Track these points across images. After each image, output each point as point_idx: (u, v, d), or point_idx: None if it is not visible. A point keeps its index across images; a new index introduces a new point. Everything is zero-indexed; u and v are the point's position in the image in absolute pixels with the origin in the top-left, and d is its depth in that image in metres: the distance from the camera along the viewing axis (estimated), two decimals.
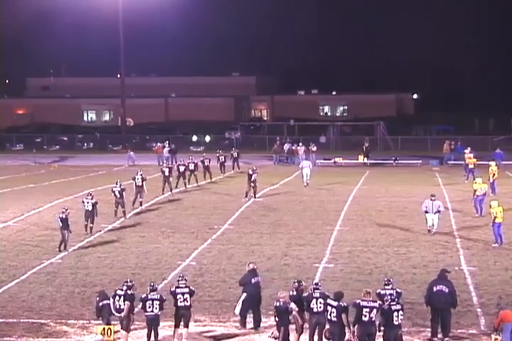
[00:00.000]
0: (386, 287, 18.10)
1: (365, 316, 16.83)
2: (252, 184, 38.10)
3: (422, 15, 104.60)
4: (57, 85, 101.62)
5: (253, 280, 19.28)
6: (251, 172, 38.45)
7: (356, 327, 16.90)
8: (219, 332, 19.03)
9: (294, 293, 17.86)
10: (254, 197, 37.97)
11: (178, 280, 18.46)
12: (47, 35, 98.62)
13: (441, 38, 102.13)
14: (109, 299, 18.37)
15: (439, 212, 28.93)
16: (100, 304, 18.44)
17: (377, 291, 18.13)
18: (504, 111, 75.87)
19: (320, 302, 17.41)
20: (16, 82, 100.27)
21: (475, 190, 33.07)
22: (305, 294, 17.78)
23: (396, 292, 17.96)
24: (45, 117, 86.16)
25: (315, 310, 17.44)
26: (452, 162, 53.96)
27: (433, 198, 29.06)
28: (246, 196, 37.70)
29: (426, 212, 29.02)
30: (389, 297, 17.28)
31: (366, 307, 16.82)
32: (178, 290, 18.18)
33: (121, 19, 68.79)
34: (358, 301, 16.94)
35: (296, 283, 18.12)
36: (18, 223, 32.44)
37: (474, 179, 35.01)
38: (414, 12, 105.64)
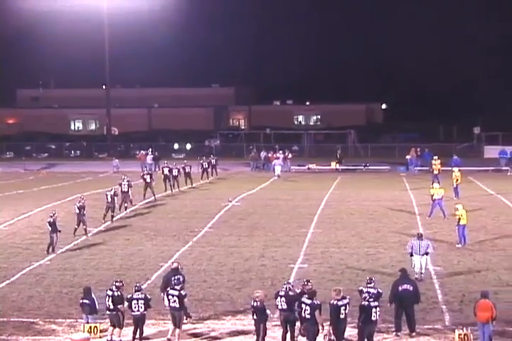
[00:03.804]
0: (368, 285, 18.18)
1: (342, 314, 16.96)
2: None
3: (389, 28, 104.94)
4: (46, 96, 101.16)
5: (173, 278, 19.04)
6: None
7: (332, 324, 17.03)
8: (199, 329, 19.01)
9: (292, 293, 17.74)
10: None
11: (174, 284, 18.43)
12: (36, 48, 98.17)
13: (408, 52, 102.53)
14: (89, 299, 18.40)
15: (427, 254, 23.04)
16: (80, 301, 18.51)
17: (360, 288, 18.24)
18: (467, 120, 76.28)
19: (283, 301, 17.53)
20: (6, 93, 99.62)
21: (432, 195, 33.26)
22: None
23: (377, 291, 18.05)
24: (34, 126, 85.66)
25: (279, 307, 17.59)
26: (419, 168, 54.16)
27: (420, 237, 23.29)
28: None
29: (411, 254, 23.04)
30: (367, 294, 17.40)
31: (342, 305, 16.93)
32: (171, 292, 18.17)
33: (106, 34, 68.75)
34: (334, 302, 16.99)
35: (289, 284, 18.08)
36: (9, 227, 32.28)
37: (432, 184, 35.18)
38: (381, 26, 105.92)
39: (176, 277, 19.01)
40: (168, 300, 18.12)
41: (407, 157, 54.48)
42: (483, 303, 17.34)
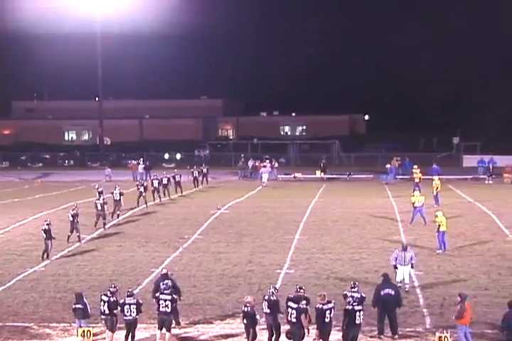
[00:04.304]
0: (352, 290, 18.19)
1: (327, 318, 16.98)
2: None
3: (370, 43, 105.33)
4: (41, 108, 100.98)
5: (162, 283, 19.04)
6: None
7: (318, 328, 17.06)
8: (189, 333, 18.98)
9: (273, 297, 17.80)
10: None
11: (164, 288, 18.41)
12: (31, 61, 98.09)
13: (389, 66, 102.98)
14: (82, 303, 18.37)
15: (411, 264, 22.33)
16: (73, 307, 18.47)
17: (344, 293, 18.24)
18: (446, 131, 76.59)
19: (265, 305, 17.62)
20: (2, 104, 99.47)
21: (413, 202, 33.34)
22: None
23: (361, 295, 18.07)
24: (29, 137, 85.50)
25: (264, 310, 17.68)
26: (400, 177, 54.31)
27: (405, 249, 22.46)
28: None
29: (395, 266, 22.19)
30: (351, 299, 17.42)
31: (327, 309, 16.96)
32: (162, 296, 18.13)
33: (99, 48, 68.82)
34: (320, 306, 17.02)
35: (273, 289, 18.10)
36: (4, 234, 32.15)
37: (413, 192, 35.28)
38: (363, 42, 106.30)
39: (165, 282, 19.01)
40: (159, 304, 18.07)
41: (387, 166, 54.60)
42: (469, 306, 17.45)
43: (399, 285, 21.41)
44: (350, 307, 17.12)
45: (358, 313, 17.07)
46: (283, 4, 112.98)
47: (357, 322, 17.09)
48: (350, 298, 17.47)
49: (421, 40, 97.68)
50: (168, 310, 17.96)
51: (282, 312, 17.57)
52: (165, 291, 18.24)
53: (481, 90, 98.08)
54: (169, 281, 19.27)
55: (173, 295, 18.19)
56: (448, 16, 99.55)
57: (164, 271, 20.09)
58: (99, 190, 35.95)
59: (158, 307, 18.07)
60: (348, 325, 17.11)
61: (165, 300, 17.98)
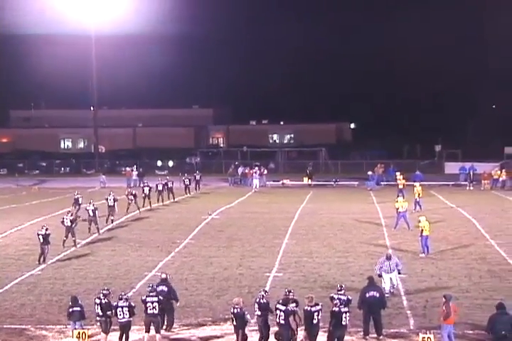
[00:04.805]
0: (339, 292, 18.18)
1: (315, 319, 16.97)
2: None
3: (353, 54, 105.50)
4: (37, 117, 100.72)
5: (159, 288, 19.04)
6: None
7: (306, 329, 17.05)
8: (181, 335, 18.94)
9: (264, 300, 17.78)
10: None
11: (150, 291, 18.37)
12: (28, 72, 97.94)
13: (373, 77, 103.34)
14: (79, 306, 18.32)
15: (398, 270, 22.15)
16: (70, 310, 18.41)
17: (331, 295, 18.23)
18: (429, 139, 76.79)
19: (257, 307, 17.63)
20: (0, 113, 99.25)
21: (397, 208, 33.40)
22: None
23: (347, 298, 18.07)
24: (27, 145, 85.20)
25: (255, 313, 17.68)
26: (385, 183, 54.38)
27: (389, 258, 22.09)
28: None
29: (379, 275, 21.69)
30: (337, 301, 17.42)
31: (315, 311, 16.96)
32: (148, 299, 18.08)
33: (94, 60, 68.89)
34: (308, 308, 17.02)
35: (263, 292, 18.08)
36: (2, 239, 32.04)
37: (397, 198, 35.33)
38: (346, 52, 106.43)
39: (159, 289, 18.87)
40: (146, 307, 17.97)
41: (369, 173, 54.59)
42: (453, 306, 17.48)
43: (387, 292, 21.01)
44: (337, 309, 17.14)
45: (344, 315, 17.09)
46: (272, 14, 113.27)
47: (343, 323, 17.12)
48: (337, 300, 17.49)
49: (403, 50, 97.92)
50: (156, 311, 17.93)
51: (272, 314, 17.55)
52: (151, 294, 18.20)
53: (461, 100, 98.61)
54: (165, 287, 19.20)
55: (160, 297, 18.14)
56: (426, 27, 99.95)
57: (164, 276, 19.84)
58: (76, 197, 36.33)
59: (146, 310, 18.00)
60: (335, 326, 17.13)
61: (152, 303, 17.95)
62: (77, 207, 36.57)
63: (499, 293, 22.22)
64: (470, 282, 23.77)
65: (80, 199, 38.44)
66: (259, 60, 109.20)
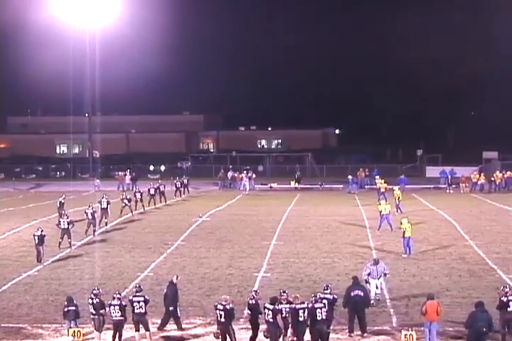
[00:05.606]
0: (325, 291, 18.17)
1: (301, 317, 16.95)
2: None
3: (336, 62, 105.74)
4: (34, 123, 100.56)
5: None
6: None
7: (293, 326, 17.03)
8: (172, 333, 18.91)
9: (253, 301, 17.74)
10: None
11: (136, 291, 18.36)
12: (25, 80, 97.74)
13: (357, 85, 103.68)
14: (74, 305, 18.29)
15: (385, 275, 21.40)
16: (66, 309, 18.38)
17: (318, 295, 18.19)
18: (411, 143, 77.04)
19: (246, 307, 17.69)
20: None
21: (380, 211, 33.47)
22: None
23: (333, 297, 18.06)
24: (24, 150, 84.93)
25: (246, 312, 17.69)
26: (368, 186, 54.44)
27: (376, 263, 21.30)
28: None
29: (366, 281, 20.73)
30: (313, 298, 17.34)
31: (300, 309, 16.93)
32: (135, 299, 18.05)
33: (88, 68, 68.96)
34: (293, 306, 17.01)
35: (253, 292, 18.04)
36: (0, 241, 31.90)
37: (379, 201, 35.34)
38: (334, 56, 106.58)
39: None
40: (133, 307, 17.91)
41: (349, 177, 54.49)
42: (432, 304, 17.50)
43: (372, 299, 20.26)
44: (310, 304, 17.07)
45: (318, 310, 16.99)
46: (261, 21, 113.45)
47: (318, 318, 17.00)
48: (313, 298, 17.34)
49: (387, 56, 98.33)
50: (143, 310, 17.90)
51: (261, 312, 17.52)
52: (137, 294, 18.17)
53: (441, 107, 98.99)
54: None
55: (146, 297, 18.11)
56: (408, 37, 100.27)
57: (175, 281, 19.59)
58: (62, 201, 36.41)
59: (133, 310, 17.95)
60: (311, 321, 17.03)
61: (138, 302, 17.92)
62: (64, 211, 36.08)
63: (478, 291, 22.30)
64: (450, 281, 23.84)
65: (65, 203, 37.97)
66: (249, 69, 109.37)
